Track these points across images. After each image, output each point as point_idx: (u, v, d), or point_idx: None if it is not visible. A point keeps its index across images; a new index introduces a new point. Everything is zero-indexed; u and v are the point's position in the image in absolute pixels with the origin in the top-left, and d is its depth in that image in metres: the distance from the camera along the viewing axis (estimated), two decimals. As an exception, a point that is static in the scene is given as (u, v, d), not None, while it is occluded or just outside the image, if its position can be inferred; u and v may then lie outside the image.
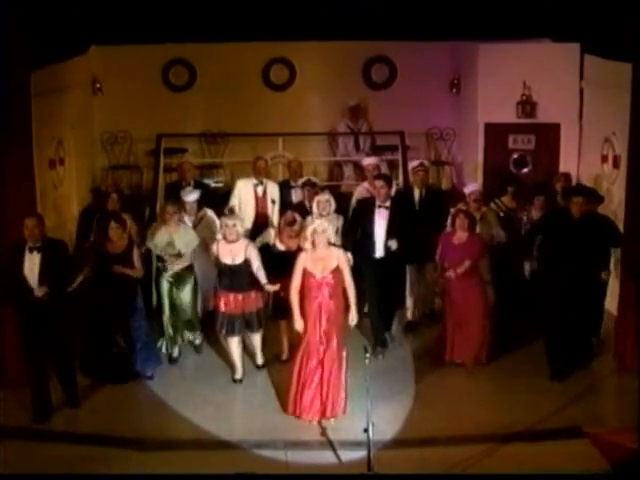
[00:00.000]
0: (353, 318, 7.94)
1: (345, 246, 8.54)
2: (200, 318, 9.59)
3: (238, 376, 8.77)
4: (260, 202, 10.31)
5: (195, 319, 9.29)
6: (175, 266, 9.00)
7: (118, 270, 8.42)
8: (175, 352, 9.21)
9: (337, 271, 7.78)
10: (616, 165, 10.20)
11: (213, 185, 12.60)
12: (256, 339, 8.89)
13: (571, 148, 11.62)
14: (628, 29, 8.60)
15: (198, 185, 10.57)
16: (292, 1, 11.04)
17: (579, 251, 8.53)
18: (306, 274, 7.78)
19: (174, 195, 10.18)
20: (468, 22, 11.37)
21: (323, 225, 7.81)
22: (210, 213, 9.84)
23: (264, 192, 10.33)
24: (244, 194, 10.32)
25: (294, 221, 8.90)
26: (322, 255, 7.77)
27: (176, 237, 8.98)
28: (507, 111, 11.75)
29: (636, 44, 8.50)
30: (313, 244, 7.78)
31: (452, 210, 9.19)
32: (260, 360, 9.03)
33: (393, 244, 9.07)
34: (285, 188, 10.67)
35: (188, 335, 9.31)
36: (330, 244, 7.88)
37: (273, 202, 10.31)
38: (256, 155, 11.24)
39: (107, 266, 8.44)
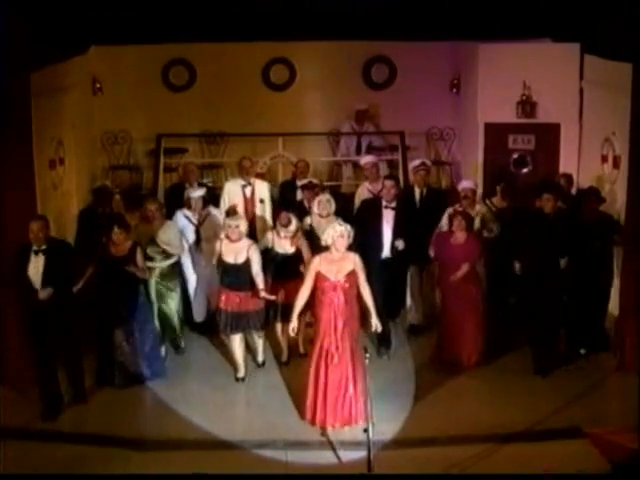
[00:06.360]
0: (376, 324, 7.82)
1: (351, 247, 8.54)
2: (205, 319, 9.62)
3: (241, 375, 8.77)
4: (249, 203, 10.27)
5: (180, 319, 9.28)
6: (161, 263, 9.00)
7: (129, 269, 8.40)
8: (162, 351, 9.17)
9: (352, 275, 7.71)
10: (616, 165, 10.19)
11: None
12: (257, 338, 8.90)
13: (571, 148, 11.61)
14: (628, 29, 8.60)
15: (201, 186, 10.54)
16: (292, 1, 11.05)
17: (552, 248, 8.68)
18: (320, 277, 7.70)
19: (177, 196, 10.19)
20: (468, 22, 11.37)
21: (344, 230, 7.70)
22: (215, 212, 9.85)
23: (252, 193, 10.30)
24: (232, 195, 10.29)
25: (289, 222, 8.93)
26: (337, 258, 7.71)
27: (160, 234, 9.00)
28: (507, 111, 11.74)
29: (636, 44, 8.50)
30: (334, 246, 7.71)
31: (448, 211, 9.15)
32: (260, 358, 9.04)
33: (400, 244, 9.07)
34: (290, 188, 10.66)
35: (171, 334, 9.27)
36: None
37: (262, 202, 10.27)
38: (256, 155, 11.23)
39: (112, 269, 8.43)
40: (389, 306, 9.33)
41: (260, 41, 12.59)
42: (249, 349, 9.04)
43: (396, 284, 9.40)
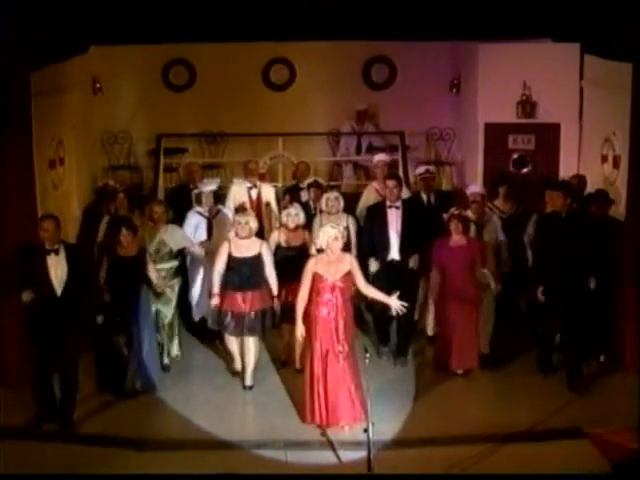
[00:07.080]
0: (396, 306, 7.72)
1: (361, 251, 8.55)
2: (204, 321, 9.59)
3: (238, 367, 8.74)
4: (255, 205, 10.28)
5: (176, 325, 9.23)
6: (165, 264, 8.98)
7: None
8: (165, 358, 9.12)
9: (349, 276, 7.71)
10: (616, 165, 10.19)
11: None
12: (251, 342, 8.58)
13: (571, 148, 11.61)
14: (628, 29, 8.60)
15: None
16: (292, 1, 11.03)
17: (566, 252, 8.55)
18: (316, 278, 7.68)
19: (180, 198, 10.16)
20: (468, 22, 11.36)
21: (337, 232, 7.68)
22: (225, 210, 9.84)
23: (258, 195, 10.32)
24: (239, 198, 10.29)
25: (290, 203, 8.97)
26: (333, 259, 7.70)
27: (167, 236, 9.00)
28: (507, 111, 11.74)
29: (636, 44, 8.51)
30: (329, 249, 7.69)
31: (445, 215, 9.09)
32: (249, 380, 8.63)
33: (415, 264, 9.01)
34: (294, 191, 10.65)
35: (168, 342, 9.16)
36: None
37: (267, 204, 10.30)
38: (256, 155, 11.20)
39: (119, 270, 8.36)
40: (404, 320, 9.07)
41: (260, 41, 12.58)
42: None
43: (406, 287, 9.18)
